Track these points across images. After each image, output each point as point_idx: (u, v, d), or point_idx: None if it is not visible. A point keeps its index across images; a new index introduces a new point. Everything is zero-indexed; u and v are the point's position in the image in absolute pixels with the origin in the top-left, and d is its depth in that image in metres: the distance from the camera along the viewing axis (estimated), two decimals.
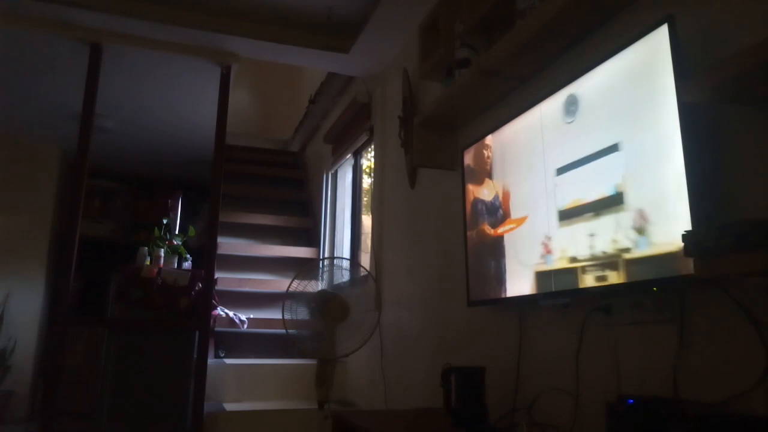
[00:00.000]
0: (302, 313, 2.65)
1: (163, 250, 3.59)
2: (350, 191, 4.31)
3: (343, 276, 3.25)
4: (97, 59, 3.23)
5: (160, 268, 3.44)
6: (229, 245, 4.33)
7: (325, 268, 3.04)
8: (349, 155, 4.24)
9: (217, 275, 3.69)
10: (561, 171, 1.72)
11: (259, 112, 6.30)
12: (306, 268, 2.89)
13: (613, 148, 1.52)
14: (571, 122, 1.69)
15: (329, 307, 2.61)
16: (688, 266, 1.20)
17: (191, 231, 3.85)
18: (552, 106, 1.78)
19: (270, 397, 3.54)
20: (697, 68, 1.31)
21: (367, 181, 4.08)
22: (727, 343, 1.25)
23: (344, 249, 4.34)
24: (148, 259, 3.54)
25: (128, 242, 5.28)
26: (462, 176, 2.28)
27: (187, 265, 3.67)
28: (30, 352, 4.74)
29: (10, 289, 4.72)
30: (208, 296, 3.29)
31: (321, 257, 4.46)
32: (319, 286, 2.79)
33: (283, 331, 2.64)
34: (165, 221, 3.78)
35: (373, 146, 3.67)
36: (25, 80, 3.80)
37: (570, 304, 1.71)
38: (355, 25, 3.21)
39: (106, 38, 3.22)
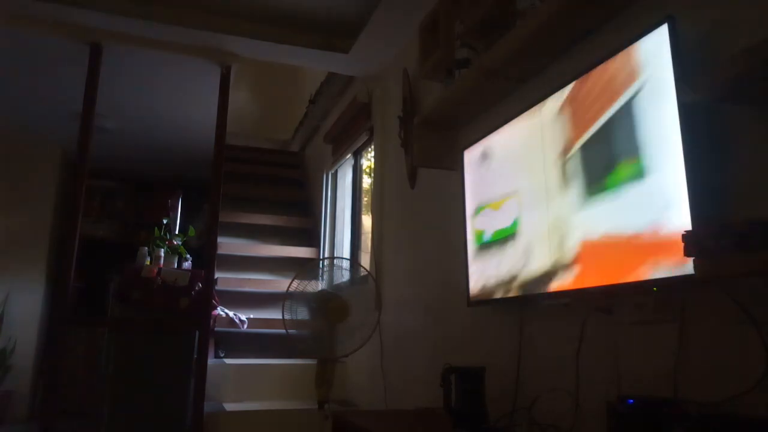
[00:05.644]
0: (302, 313, 2.65)
1: (163, 250, 3.59)
2: (350, 191, 4.31)
3: (343, 276, 3.24)
4: (97, 59, 3.23)
5: (160, 268, 3.44)
6: (229, 245, 4.33)
7: (325, 268, 3.04)
8: (349, 155, 4.24)
9: (217, 275, 3.69)
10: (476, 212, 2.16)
11: (259, 112, 6.30)
12: (306, 268, 2.89)
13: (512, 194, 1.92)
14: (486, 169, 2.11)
15: (329, 307, 2.61)
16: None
17: (191, 231, 3.85)
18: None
19: (270, 397, 3.54)
20: (697, 68, 1.31)
21: (367, 181, 4.08)
22: (727, 343, 1.25)
23: (344, 249, 4.34)
24: (148, 259, 3.54)
25: (128, 242, 5.28)
26: (462, 176, 2.28)
27: (187, 265, 3.67)
28: (30, 352, 4.74)
29: (10, 289, 4.72)
30: (208, 296, 3.29)
31: (321, 257, 4.45)
32: (319, 286, 2.79)
33: (283, 331, 2.64)
34: (165, 221, 3.78)
35: (373, 146, 3.67)
36: (25, 80, 3.80)
37: (570, 304, 1.71)
38: (355, 25, 3.21)
39: (106, 38, 3.22)
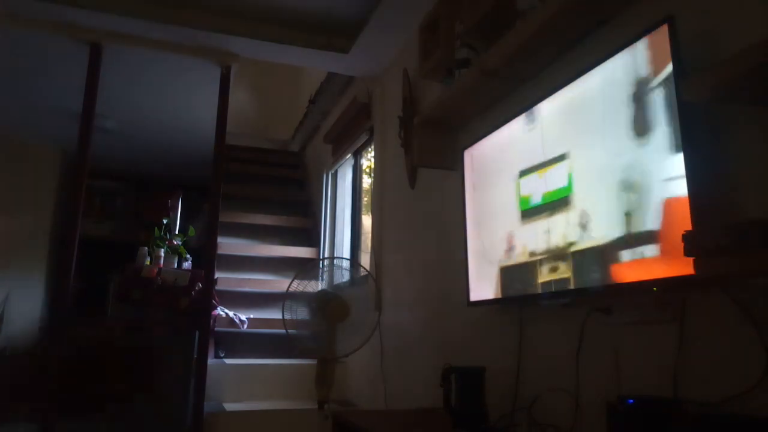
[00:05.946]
0: (302, 313, 2.65)
1: (163, 250, 3.59)
2: (350, 191, 4.31)
3: (343, 276, 3.25)
4: (97, 59, 3.23)
5: (160, 268, 3.44)
6: (229, 245, 4.33)
7: (325, 268, 3.05)
8: (349, 155, 4.24)
9: (217, 275, 3.69)
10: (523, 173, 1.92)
11: (259, 112, 6.30)
12: (306, 268, 2.89)
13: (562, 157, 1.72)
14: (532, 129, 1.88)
15: (329, 307, 2.61)
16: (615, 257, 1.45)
17: (191, 231, 3.85)
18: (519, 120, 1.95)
19: (270, 397, 3.54)
20: (697, 68, 1.31)
21: (367, 181, 4.08)
22: (727, 343, 1.25)
23: (344, 249, 4.34)
24: (148, 259, 3.54)
25: (128, 242, 5.28)
26: (462, 176, 2.28)
27: (187, 265, 3.67)
28: None
29: (10, 289, 4.72)
30: (208, 296, 3.29)
31: (321, 257, 4.46)
32: (319, 286, 2.79)
33: (283, 331, 2.64)
34: (165, 221, 3.78)
35: (373, 146, 3.67)
36: (25, 80, 3.80)
37: (570, 304, 1.71)
38: (355, 25, 3.21)
39: (106, 38, 3.22)
